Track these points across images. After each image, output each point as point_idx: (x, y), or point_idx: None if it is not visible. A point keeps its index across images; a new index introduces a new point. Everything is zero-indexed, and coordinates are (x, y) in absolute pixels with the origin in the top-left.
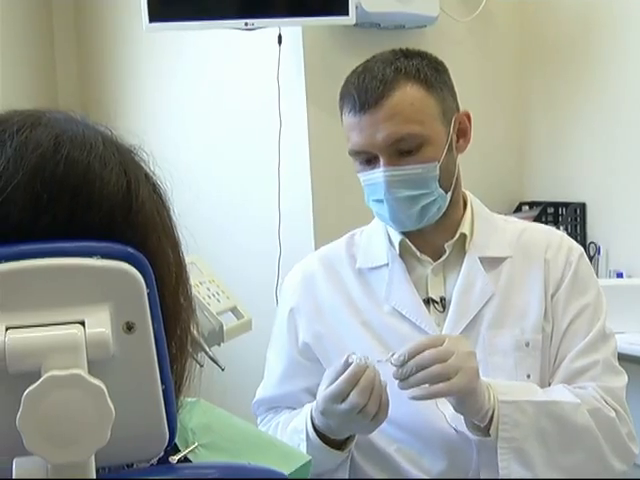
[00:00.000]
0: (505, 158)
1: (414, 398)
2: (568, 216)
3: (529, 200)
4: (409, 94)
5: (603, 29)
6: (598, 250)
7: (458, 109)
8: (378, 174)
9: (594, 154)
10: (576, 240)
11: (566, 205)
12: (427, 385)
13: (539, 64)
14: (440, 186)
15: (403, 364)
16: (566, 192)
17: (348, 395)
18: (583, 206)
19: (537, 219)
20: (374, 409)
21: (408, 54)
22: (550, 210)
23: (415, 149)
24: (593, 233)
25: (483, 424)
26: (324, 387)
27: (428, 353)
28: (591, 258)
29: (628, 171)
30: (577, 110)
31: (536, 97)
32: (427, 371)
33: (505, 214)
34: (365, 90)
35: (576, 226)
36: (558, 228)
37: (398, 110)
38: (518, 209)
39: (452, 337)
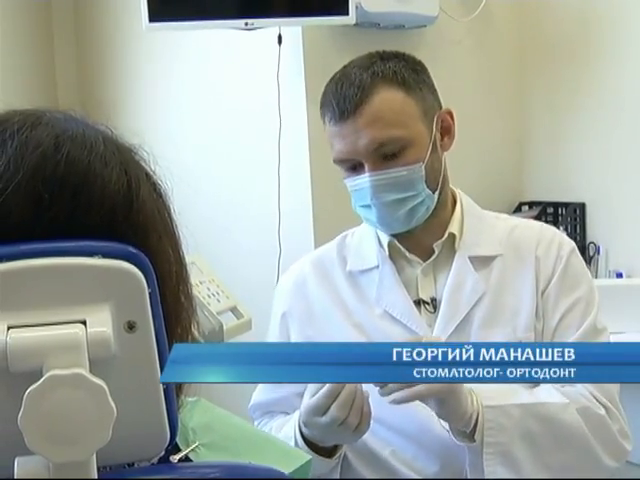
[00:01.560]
0: (504, 158)
1: (394, 402)
2: (568, 216)
3: (529, 200)
4: (388, 98)
5: (603, 28)
6: (598, 250)
7: (440, 107)
8: (364, 180)
9: (594, 154)
10: (575, 240)
11: (566, 205)
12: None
13: (538, 64)
14: (427, 186)
15: None
16: (566, 192)
17: (328, 409)
18: (583, 206)
19: (536, 219)
20: (355, 421)
21: (384, 56)
22: (550, 210)
23: (399, 152)
24: (593, 233)
25: (468, 429)
26: (307, 398)
27: None
28: (591, 258)
29: (628, 171)
30: (576, 110)
31: (535, 97)
32: None
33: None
34: (343, 98)
35: (576, 226)
36: (558, 228)
37: (378, 115)
38: (518, 209)
39: (432, 340)
